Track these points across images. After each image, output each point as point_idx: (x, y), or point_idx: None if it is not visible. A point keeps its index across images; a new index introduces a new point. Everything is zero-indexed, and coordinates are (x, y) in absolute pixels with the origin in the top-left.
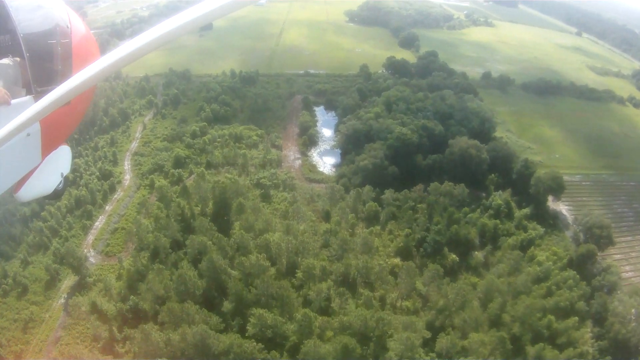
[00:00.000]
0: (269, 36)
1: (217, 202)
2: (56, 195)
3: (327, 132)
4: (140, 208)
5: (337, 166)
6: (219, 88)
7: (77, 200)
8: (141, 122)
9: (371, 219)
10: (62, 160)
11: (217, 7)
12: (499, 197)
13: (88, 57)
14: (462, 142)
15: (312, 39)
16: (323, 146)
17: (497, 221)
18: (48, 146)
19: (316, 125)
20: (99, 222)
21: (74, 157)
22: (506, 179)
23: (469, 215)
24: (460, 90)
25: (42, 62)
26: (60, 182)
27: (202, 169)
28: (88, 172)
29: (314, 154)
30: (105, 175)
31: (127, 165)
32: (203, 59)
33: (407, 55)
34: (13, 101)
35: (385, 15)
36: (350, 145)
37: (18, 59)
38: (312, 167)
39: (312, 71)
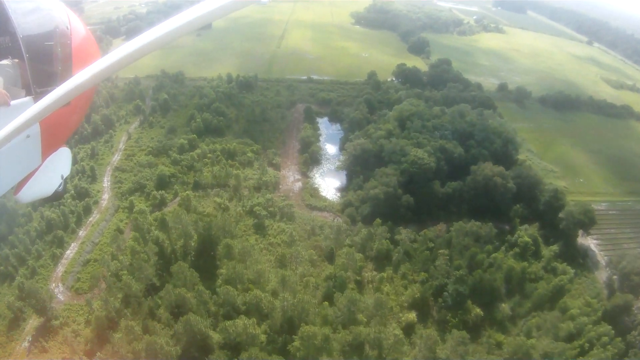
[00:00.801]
0: (271, 38)
1: (202, 239)
2: (56, 196)
3: (331, 149)
4: (115, 238)
5: (342, 190)
6: (213, 94)
7: (49, 223)
8: (126, 131)
9: (381, 259)
10: (62, 161)
11: (217, 7)
12: (525, 233)
13: (88, 58)
14: (486, 169)
15: (316, 42)
16: (327, 165)
17: (525, 263)
18: (48, 148)
19: (319, 141)
20: (71, 251)
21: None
22: (531, 210)
23: (493, 255)
24: (478, 104)
25: (41, 64)
26: (61, 184)
27: (187, 192)
28: None
29: (316, 175)
30: (82, 194)
31: (106, 182)
32: (199, 60)
33: (417, 63)
34: (13, 102)
35: (393, 19)
36: (358, 167)
37: (17, 60)
38: (314, 192)
39: (315, 77)
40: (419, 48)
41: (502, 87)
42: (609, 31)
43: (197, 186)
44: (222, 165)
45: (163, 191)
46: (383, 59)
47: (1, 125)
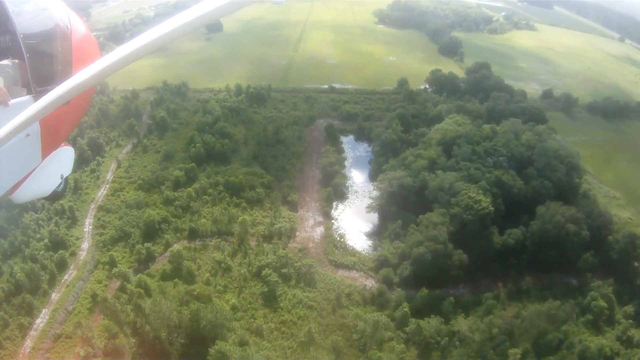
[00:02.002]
0: (287, 41)
1: (189, 332)
2: (55, 196)
3: (359, 177)
4: (78, 326)
5: (374, 237)
6: (218, 110)
7: (17, 283)
8: (115, 157)
9: (431, 349)
10: (62, 161)
11: (218, 7)
12: (598, 293)
13: (88, 58)
14: (556, 213)
15: (337, 45)
16: (355, 201)
17: (602, 340)
18: (48, 147)
19: (344, 167)
20: (41, 320)
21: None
22: (600, 255)
23: (563, 328)
24: (529, 117)
25: (41, 63)
26: (60, 183)
27: (178, 248)
28: (37, 236)
29: (342, 216)
30: (57, 244)
31: (87, 225)
32: (206, 69)
33: (450, 66)
34: (12, 101)
35: (419, 16)
36: (394, 207)
37: (17, 60)
38: (339, 242)
39: (337, 86)
40: (451, 49)
41: (547, 94)
42: (638, 26)
43: (193, 234)
44: (225, 206)
45: (150, 244)
46: (412, 62)
47: (1, 124)
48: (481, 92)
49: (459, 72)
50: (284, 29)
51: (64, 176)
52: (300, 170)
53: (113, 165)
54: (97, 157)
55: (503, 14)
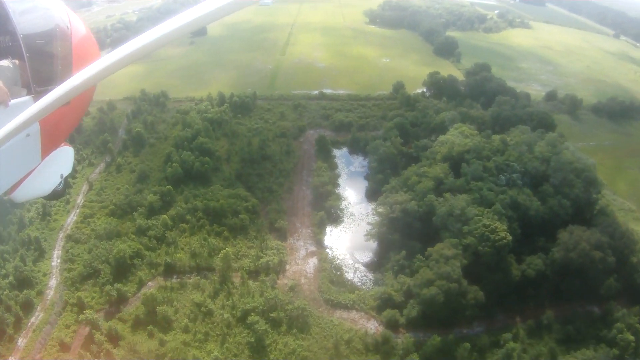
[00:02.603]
0: (274, 44)
1: None
2: (55, 196)
3: (354, 196)
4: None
5: (376, 269)
6: (198, 122)
7: None
8: (87, 177)
9: None
10: (62, 161)
11: (218, 7)
12: (624, 325)
13: (88, 58)
14: (581, 240)
15: (327, 47)
16: (351, 226)
17: None
18: (47, 146)
19: (338, 185)
20: None
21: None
22: (623, 279)
23: None
24: (537, 123)
25: (41, 63)
26: (60, 183)
27: (151, 291)
28: (2, 272)
29: (338, 243)
30: (23, 281)
31: (55, 259)
32: (188, 75)
33: (447, 68)
34: (12, 101)
35: (412, 16)
36: (397, 234)
37: (17, 61)
38: (336, 275)
39: (328, 92)
40: (447, 50)
41: (551, 96)
42: (634, 23)
43: (169, 270)
44: (205, 235)
45: (121, 284)
46: (407, 64)
47: (1, 124)
48: (483, 95)
49: (457, 74)
50: (270, 31)
51: (64, 176)
52: (289, 190)
53: (84, 187)
54: (68, 179)
55: (497, 12)
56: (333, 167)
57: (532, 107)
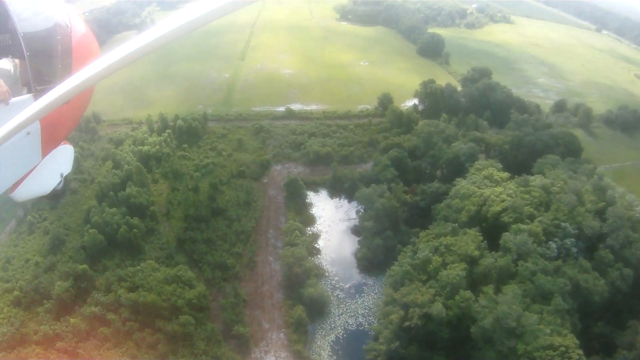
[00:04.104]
0: (232, 49)
1: None
2: (55, 195)
3: (343, 268)
4: None
5: None
6: (132, 159)
7: None
8: None
9: None
10: (62, 159)
11: (218, 7)
12: None
13: (88, 56)
14: None
15: (294, 50)
16: (342, 318)
17: None
18: (48, 145)
19: (319, 253)
20: None
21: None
22: None
23: None
24: (563, 149)
25: (42, 61)
26: (60, 182)
27: None
28: None
29: (324, 355)
30: None
31: None
32: (128, 93)
33: (434, 71)
34: (13, 99)
35: (387, 11)
36: (415, 347)
37: (17, 60)
38: None
39: (297, 107)
40: (433, 50)
41: (560, 106)
42: (613, 17)
43: None
44: (132, 351)
45: None
46: (390, 69)
47: (2, 122)
48: (487, 108)
49: (450, 80)
50: (228, 33)
51: (64, 175)
52: (250, 265)
53: None
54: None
55: (474, 5)
56: (309, 221)
57: (555, 129)
